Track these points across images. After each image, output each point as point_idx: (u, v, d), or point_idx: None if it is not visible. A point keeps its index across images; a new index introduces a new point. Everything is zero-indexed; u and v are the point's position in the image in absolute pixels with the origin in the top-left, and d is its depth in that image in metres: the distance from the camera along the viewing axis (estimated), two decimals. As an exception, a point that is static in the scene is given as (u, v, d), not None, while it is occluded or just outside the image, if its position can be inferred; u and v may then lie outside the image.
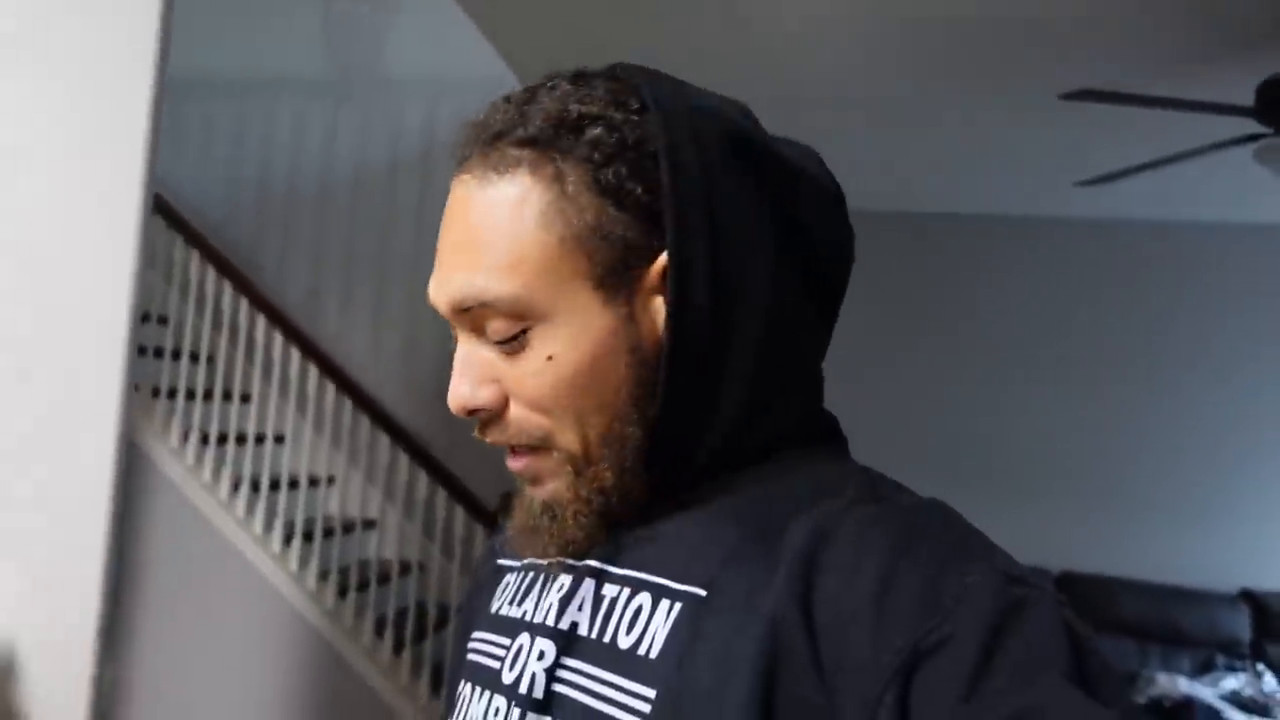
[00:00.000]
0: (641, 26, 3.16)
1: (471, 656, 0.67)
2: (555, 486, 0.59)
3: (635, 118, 0.56)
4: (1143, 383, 4.83)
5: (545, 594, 0.63)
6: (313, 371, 3.83)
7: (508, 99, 0.59)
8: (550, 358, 0.56)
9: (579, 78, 0.59)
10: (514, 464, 0.60)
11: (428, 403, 4.17)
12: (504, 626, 0.65)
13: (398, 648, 3.54)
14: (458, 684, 0.69)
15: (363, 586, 3.62)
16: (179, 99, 4.39)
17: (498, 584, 0.70)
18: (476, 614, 0.71)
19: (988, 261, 5.06)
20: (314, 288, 4.39)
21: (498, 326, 0.56)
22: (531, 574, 0.66)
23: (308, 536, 3.59)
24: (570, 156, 0.55)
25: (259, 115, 4.44)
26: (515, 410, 0.58)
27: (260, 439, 3.83)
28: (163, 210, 3.93)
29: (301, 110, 4.43)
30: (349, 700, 3.43)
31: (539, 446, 0.58)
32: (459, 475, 3.81)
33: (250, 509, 3.50)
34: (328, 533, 3.71)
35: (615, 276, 0.56)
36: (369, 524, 4.15)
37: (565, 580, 0.62)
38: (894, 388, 5.04)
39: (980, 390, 4.97)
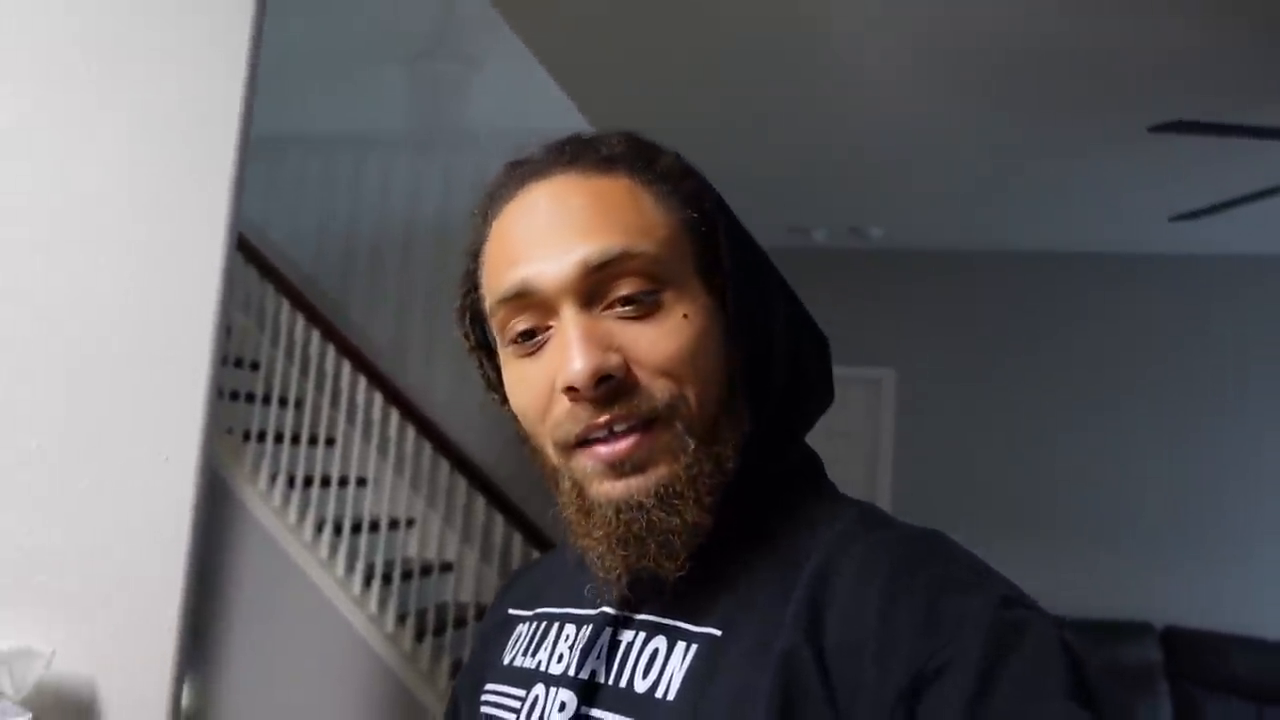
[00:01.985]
0: (714, 80, 3.20)
1: (486, 709, 0.65)
2: (668, 469, 0.55)
3: (682, 157, 0.62)
4: (1253, 424, 4.56)
5: (558, 643, 0.62)
6: (394, 416, 3.91)
7: (567, 139, 0.62)
8: (686, 316, 0.56)
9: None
10: (618, 448, 0.55)
11: (505, 447, 4.21)
12: (517, 678, 0.64)
13: (474, 692, 3.54)
14: None
15: (439, 630, 3.64)
16: (273, 154, 4.61)
17: (508, 635, 0.70)
18: (487, 667, 0.69)
19: (1081, 300, 4.88)
20: (398, 335, 4.51)
21: (635, 284, 0.56)
22: (543, 624, 0.66)
23: (387, 579, 3.64)
24: (654, 170, 0.60)
25: (347, 169, 4.62)
26: (643, 378, 0.55)
27: (344, 482, 3.92)
28: (255, 260, 4.11)
29: (388, 164, 4.60)
30: (424, 744, 3.44)
31: (655, 421, 0.55)
32: (534, 519, 3.82)
33: (333, 551, 3.57)
34: (406, 575, 3.76)
35: (708, 270, 0.59)
36: (446, 566, 4.19)
37: (583, 629, 0.61)
38: (988, 434, 4.88)
39: (1077, 435, 4.77)
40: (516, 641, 0.68)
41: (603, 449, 0.55)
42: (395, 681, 3.47)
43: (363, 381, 3.91)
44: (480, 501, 3.87)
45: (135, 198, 1.27)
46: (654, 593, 0.58)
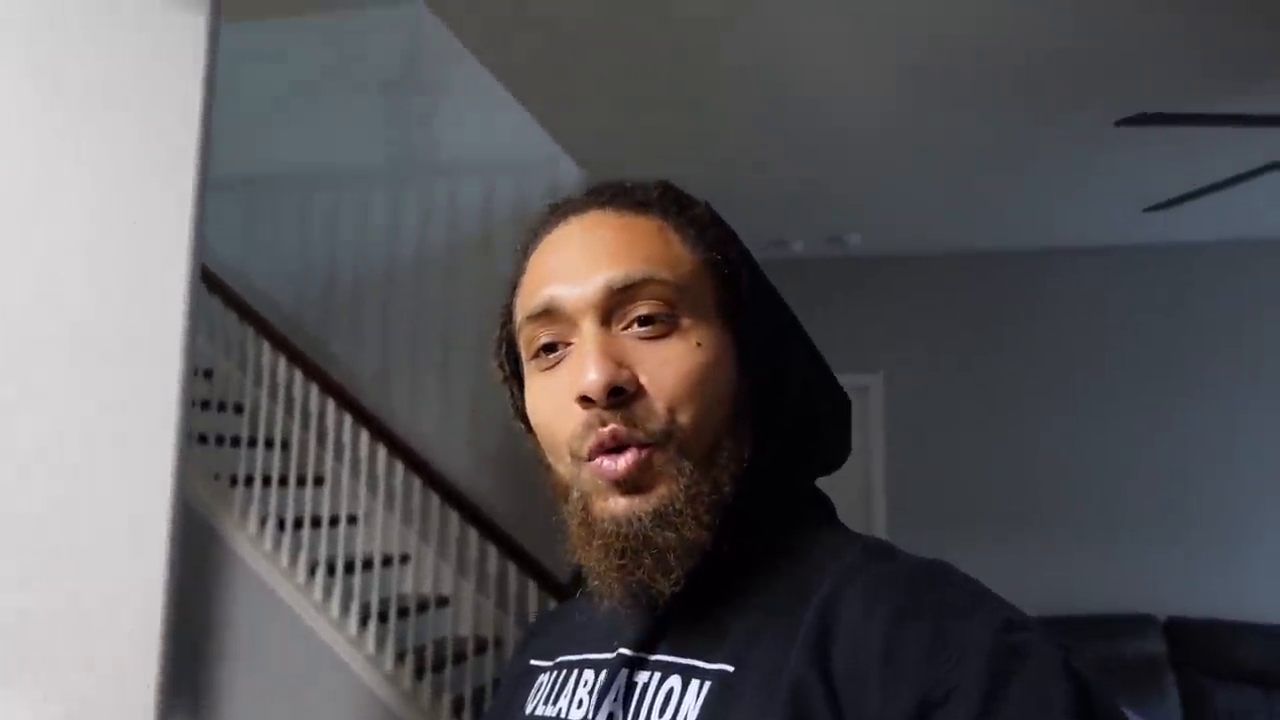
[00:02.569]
0: (683, 100, 3.20)
1: None
2: (667, 489, 0.58)
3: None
4: (1250, 410, 4.57)
5: (577, 689, 0.64)
6: (382, 451, 3.87)
7: (605, 184, 0.67)
8: (699, 344, 0.60)
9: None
10: (619, 464, 0.58)
11: (496, 478, 4.18)
12: None
13: (477, 728, 3.49)
14: None
15: (439, 666, 3.60)
16: (248, 194, 4.59)
17: (530, 686, 0.71)
18: (506, 718, 0.71)
19: (1063, 295, 4.90)
20: (382, 370, 4.48)
21: (653, 306, 0.60)
22: (564, 672, 0.67)
23: (383, 617, 3.59)
24: (686, 216, 0.65)
25: (324, 206, 4.60)
26: (648, 397, 0.58)
27: (334, 521, 3.88)
28: (235, 303, 4.08)
29: (364, 199, 4.58)
30: (429, 784, 3.38)
31: (654, 444, 0.58)
32: (529, 548, 3.79)
33: (328, 592, 3.53)
34: (403, 612, 3.71)
35: (728, 310, 0.63)
36: (443, 601, 4.14)
37: (600, 673, 0.62)
38: (979, 433, 4.88)
39: (1067, 429, 4.76)
40: (538, 691, 0.69)
41: (608, 463, 0.58)
42: (396, 721, 3.42)
43: (348, 419, 3.87)
44: (473, 533, 3.83)
45: (97, 240, 1.25)
46: (667, 631, 0.61)
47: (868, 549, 0.61)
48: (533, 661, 0.73)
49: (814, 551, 0.61)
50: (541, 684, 0.69)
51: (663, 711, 0.57)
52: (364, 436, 3.87)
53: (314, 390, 3.89)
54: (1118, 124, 2.54)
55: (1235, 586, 4.40)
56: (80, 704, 1.12)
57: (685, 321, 0.60)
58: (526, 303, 0.63)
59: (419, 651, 3.61)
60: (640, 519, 0.57)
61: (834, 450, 0.69)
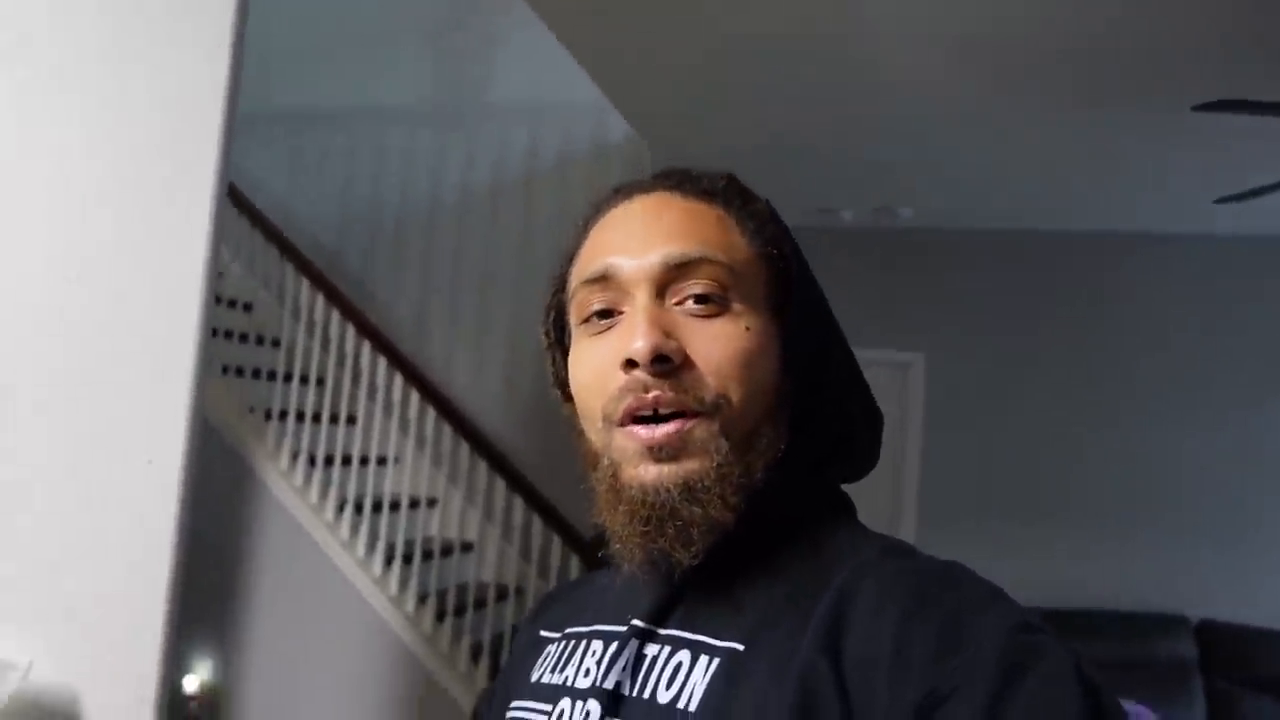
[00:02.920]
0: (738, 58, 3.10)
1: None
2: (699, 464, 0.59)
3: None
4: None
5: (585, 659, 0.65)
6: (414, 396, 3.89)
7: (673, 169, 0.69)
8: (748, 328, 0.62)
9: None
10: (657, 433, 0.59)
11: (526, 429, 4.18)
12: (545, 693, 0.66)
13: (493, 674, 3.53)
14: None
15: (460, 611, 3.64)
16: (296, 130, 4.58)
17: (538, 654, 0.71)
18: (515, 686, 0.71)
19: (1118, 281, 4.74)
20: (420, 313, 4.48)
21: (708, 285, 0.61)
22: (572, 642, 0.68)
23: (408, 559, 3.63)
24: (748, 209, 0.66)
25: (370, 146, 4.58)
26: (697, 369, 0.60)
27: (364, 460, 3.91)
28: (275, 239, 4.09)
29: (409, 140, 4.55)
30: (443, 725, 3.44)
31: (701, 413, 0.59)
32: (554, 502, 3.79)
33: (354, 530, 3.57)
34: (427, 555, 3.75)
35: (777, 303, 0.65)
36: (467, 546, 4.18)
37: (610, 644, 0.63)
38: (1019, 420, 4.77)
39: (1112, 421, 4.64)
40: (545, 660, 0.70)
41: (643, 431, 0.59)
42: (415, 663, 3.48)
43: (383, 361, 3.89)
44: (500, 482, 3.85)
45: (116, 198, 1.23)
46: (680, 606, 0.62)
47: (887, 547, 0.62)
48: (542, 632, 0.74)
49: (834, 545, 0.62)
50: (549, 654, 0.70)
51: (670, 684, 0.58)
52: (398, 379, 3.88)
53: (350, 330, 3.91)
54: (1194, 109, 2.41)
55: (1272, 593, 4.28)
56: (84, 644, 1.13)
57: (737, 305, 0.62)
58: (582, 269, 0.65)
59: (441, 595, 3.65)
60: (669, 489, 0.58)
61: (863, 458, 0.70)
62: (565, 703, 0.63)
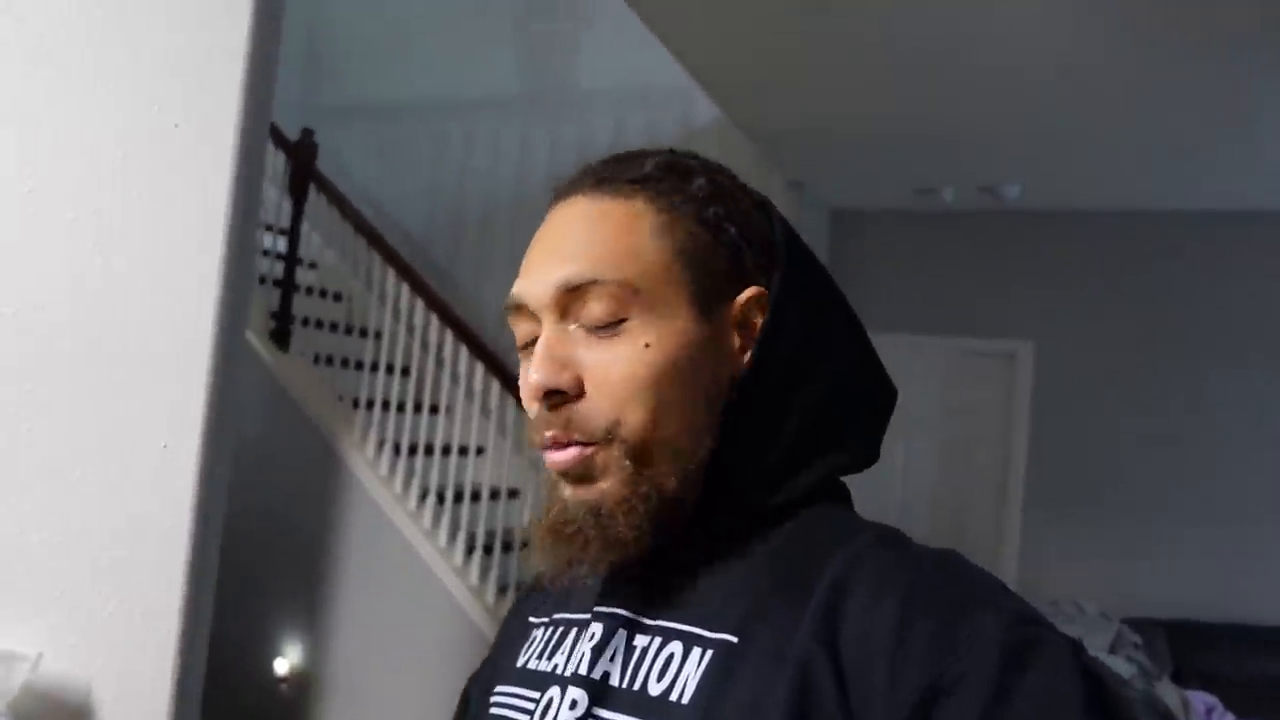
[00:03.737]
0: (829, 30, 2.94)
1: (496, 711, 0.67)
2: (607, 486, 0.59)
3: (728, 180, 0.66)
4: None
5: (576, 646, 0.64)
6: (496, 385, 3.88)
7: (611, 157, 0.67)
8: (648, 345, 0.60)
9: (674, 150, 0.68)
10: (561, 457, 0.60)
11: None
12: (532, 680, 0.65)
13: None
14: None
15: (539, 603, 3.60)
16: (383, 120, 4.64)
17: (525, 639, 0.71)
18: (500, 670, 0.71)
19: (1241, 265, 4.35)
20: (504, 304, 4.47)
21: (602, 307, 0.60)
22: (559, 629, 0.67)
23: (488, 549, 3.62)
24: (679, 193, 0.63)
25: (457, 136, 4.60)
26: (591, 397, 0.59)
27: (448, 450, 3.92)
28: (364, 229, 4.14)
29: (496, 130, 4.55)
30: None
31: (597, 441, 0.59)
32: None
33: (436, 520, 3.58)
34: (507, 546, 3.73)
35: (708, 299, 0.62)
36: (550, 539, 4.15)
37: (596, 631, 0.62)
38: (1134, 413, 4.44)
39: (1234, 413, 4.28)
40: (532, 645, 0.69)
41: (554, 455, 0.60)
42: (494, 653, 3.46)
43: (464, 350, 3.89)
44: (581, 474, 3.80)
45: (131, 185, 1.19)
46: (670, 596, 0.61)
47: (880, 536, 0.60)
48: (530, 618, 0.73)
49: (825, 534, 0.61)
50: (535, 639, 0.69)
51: (661, 676, 0.57)
52: (479, 369, 3.87)
53: (434, 320, 3.92)
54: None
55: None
56: (97, 635, 1.10)
57: (635, 322, 0.60)
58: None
59: (520, 586, 3.62)
60: (579, 510, 0.59)
61: (859, 446, 0.67)
62: (554, 690, 0.62)
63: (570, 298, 0.61)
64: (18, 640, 1.04)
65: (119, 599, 1.10)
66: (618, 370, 0.59)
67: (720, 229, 0.63)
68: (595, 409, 0.59)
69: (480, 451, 4.12)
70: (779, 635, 0.55)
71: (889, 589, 0.54)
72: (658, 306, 0.61)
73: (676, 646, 0.58)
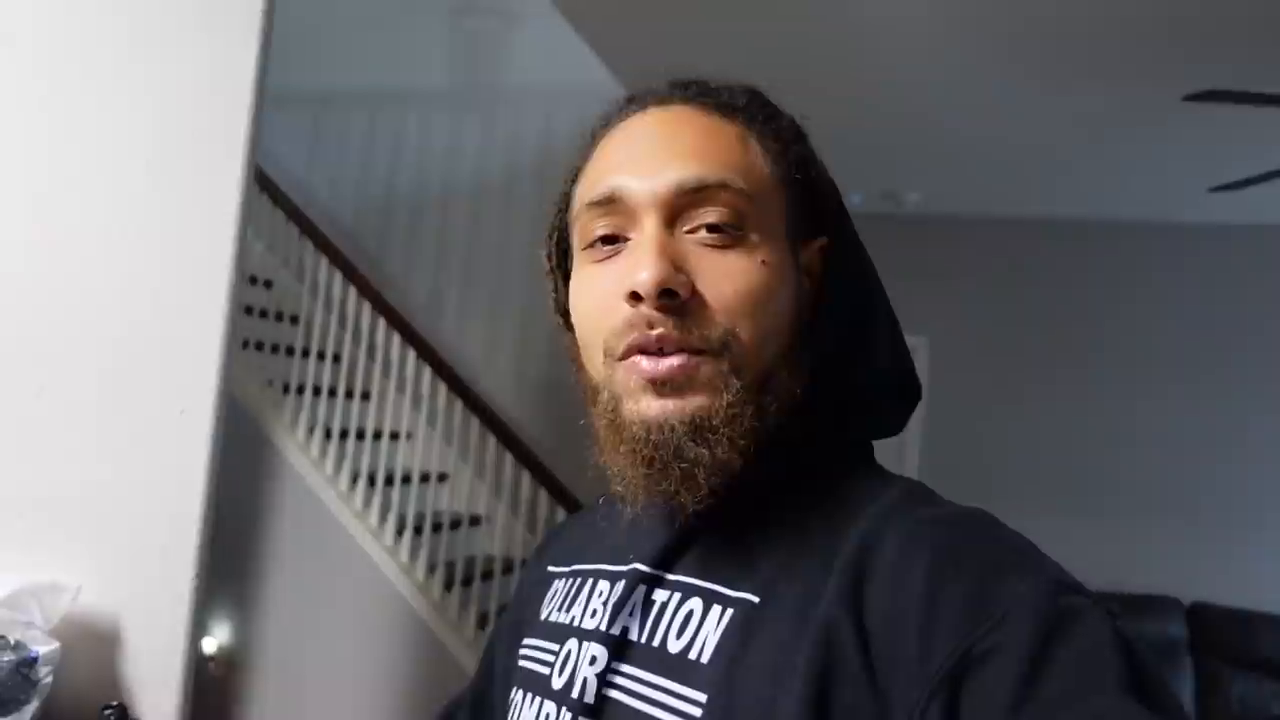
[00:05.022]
0: (744, 39, 3.18)
1: (522, 663, 0.67)
2: (707, 400, 0.55)
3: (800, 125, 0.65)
4: (1289, 402, 4.47)
5: (592, 599, 0.63)
6: (427, 372, 4.00)
7: (691, 79, 0.64)
8: (764, 262, 0.57)
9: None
10: (661, 365, 0.55)
11: (535, 406, 4.29)
12: (553, 632, 0.65)
13: (499, 641, 3.65)
14: (491, 676, 0.75)
15: (468, 581, 3.75)
16: (315, 109, 4.68)
17: (547, 589, 0.71)
18: (525, 622, 0.71)
19: (1119, 269, 4.80)
20: (434, 292, 4.59)
21: (723, 214, 0.56)
22: (579, 580, 0.67)
23: (418, 530, 3.75)
24: (770, 125, 0.61)
25: (388, 126, 4.67)
26: (705, 304, 0.55)
27: (378, 435, 4.03)
28: (296, 217, 4.20)
29: (427, 120, 4.63)
30: (450, 688, 3.56)
31: (707, 351, 0.55)
32: (561, 476, 3.90)
33: (367, 502, 3.68)
34: (437, 527, 3.87)
35: (793, 234, 0.61)
36: (476, 520, 4.30)
37: (615, 585, 0.61)
38: (1020, 404, 4.84)
39: (1110, 406, 4.71)
40: (553, 597, 0.69)
41: (647, 363, 0.55)
42: (424, 629, 3.60)
43: (397, 338, 4.00)
44: (509, 457, 3.96)
45: (152, 157, 1.33)
46: (690, 552, 0.59)
47: (908, 491, 0.58)
48: (550, 567, 0.72)
49: (852, 490, 0.59)
50: (557, 590, 0.69)
51: (681, 633, 0.55)
52: (411, 356, 3.99)
53: (366, 307, 4.02)
54: (1185, 99, 2.48)
55: (1265, 577, 4.36)
56: (124, 571, 1.24)
57: (754, 236, 0.57)
58: (588, 189, 0.60)
59: (450, 566, 3.77)
60: (674, 426, 0.54)
61: (890, 415, 0.66)
62: (572, 643, 0.61)
63: (690, 199, 0.57)
64: (60, 574, 1.18)
65: (143, 541, 1.24)
66: (735, 282, 0.56)
67: (806, 169, 0.62)
68: (711, 318, 0.55)
69: (410, 436, 4.24)
70: (802, 597, 0.53)
71: (917, 550, 0.51)
72: (768, 227, 0.58)
73: (696, 603, 0.56)
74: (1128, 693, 0.43)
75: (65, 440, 1.25)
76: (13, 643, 1.08)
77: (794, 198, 0.60)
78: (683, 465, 0.54)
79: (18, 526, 1.21)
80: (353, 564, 3.64)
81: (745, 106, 0.61)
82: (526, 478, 3.93)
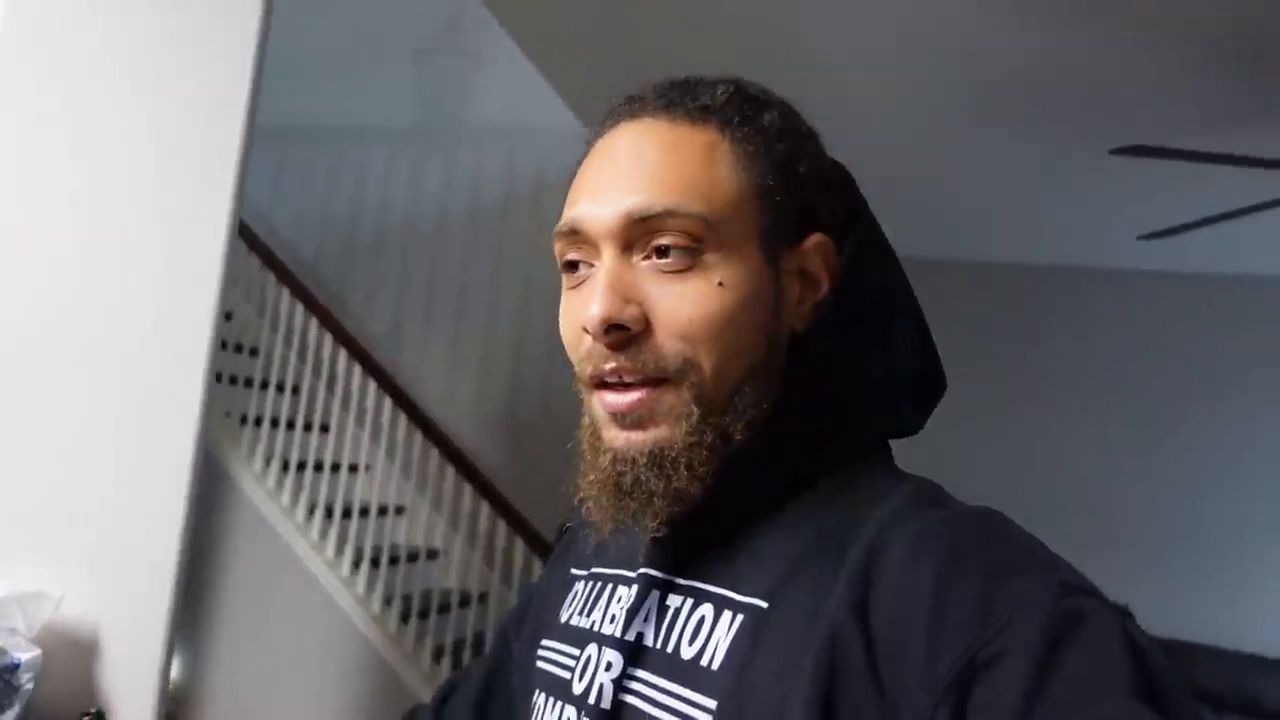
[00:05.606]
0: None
1: (543, 665, 0.68)
2: (668, 431, 0.56)
3: (794, 115, 0.65)
4: (1215, 437, 4.68)
5: (611, 604, 0.64)
6: (387, 405, 4.03)
7: (675, 80, 0.64)
8: (721, 284, 0.56)
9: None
10: (623, 399, 0.56)
11: (495, 440, 4.33)
12: (574, 636, 0.66)
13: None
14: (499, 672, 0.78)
15: (424, 614, 3.76)
16: (279, 145, 4.72)
17: (568, 592, 0.71)
18: (545, 624, 0.72)
19: (1058, 311, 5.00)
20: (395, 326, 4.63)
21: (674, 239, 0.56)
22: (599, 584, 0.67)
23: (375, 563, 3.75)
24: (749, 125, 0.60)
25: (351, 162, 4.74)
26: (658, 336, 0.56)
27: (336, 467, 4.04)
28: (257, 248, 4.23)
29: (390, 157, 4.71)
30: (405, 721, 3.55)
31: (663, 381, 0.56)
32: (520, 509, 3.94)
33: (324, 534, 3.68)
34: (394, 560, 3.87)
35: (774, 241, 0.59)
36: (433, 554, 4.31)
37: (631, 591, 0.62)
38: (966, 447, 4.97)
39: (1056, 445, 4.86)
40: (574, 600, 0.69)
41: (610, 396, 0.57)
42: (379, 661, 3.59)
43: (358, 370, 4.03)
44: (468, 490, 3.99)
45: (141, 192, 1.39)
46: (700, 556, 0.59)
47: (918, 490, 0.58)
48: (573, 569, 0.73)
49: (861, 491, 0.58)
50: (577, 592, 0.69)
51: (693, 640, 0.56)
52: (371, 388, 4.02)
53: (328, 340, 4.05)
54: (1112, 152, 2.65)
55: (1199, 608, 4.51)
56: (106, 584, 1.28)
57: (710, 258, 0.56)
58: (562, 215, 0.60)
59: (406, 598, 3.77)
60: (634, 458, 0.56)
61: (911, 414, 0.66)
62: (592, 648, 0.62)
63: (639, 228, 0.57)
64: (44, 584, 1.22)
65: (125, 554, 1.28)
66: (689, 309, 0.56)
67: (790, 167, 0.60)
68: (664, 348, 0.56)
69: (369, 468, 4.25)
70: (810, 602, 0.53)
71: (924, 553, 0.51)
72: (730, 244, 0.57)
73: (708, 609, 0.57)
74: (1138, 697, 0.43)
75: (54, 458, 1.29)
76: (-6, 650, 1.11)
77: (773, 202, 0.59)
78: (642, 495, 0.56)
79: (4, 537, 1.24)
80: (308, 596, 3.63)
81: (722, 107, 0.60)
82: (485, 508, 3.96)
